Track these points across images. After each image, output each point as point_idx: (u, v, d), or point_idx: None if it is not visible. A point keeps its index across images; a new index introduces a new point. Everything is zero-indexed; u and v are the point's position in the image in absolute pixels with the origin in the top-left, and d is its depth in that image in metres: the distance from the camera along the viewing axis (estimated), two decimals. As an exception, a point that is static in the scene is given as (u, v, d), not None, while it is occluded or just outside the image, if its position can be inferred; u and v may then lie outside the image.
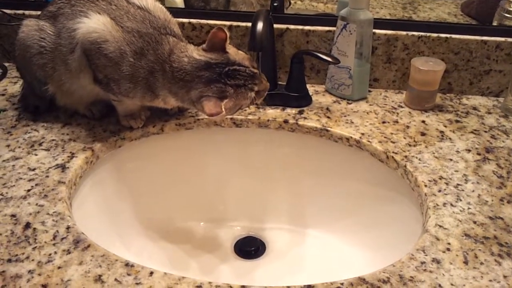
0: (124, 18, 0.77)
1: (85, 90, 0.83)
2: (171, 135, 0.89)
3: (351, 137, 0.85)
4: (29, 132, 0.85)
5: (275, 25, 0.96)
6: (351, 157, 0.86)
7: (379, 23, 0.93)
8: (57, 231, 0.64)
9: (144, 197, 0.90)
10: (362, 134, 0.85)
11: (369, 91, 0.99)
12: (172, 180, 0.93)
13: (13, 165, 0.76)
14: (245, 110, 0.91)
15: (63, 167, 0.75)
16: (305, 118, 0.90)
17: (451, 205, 0.69)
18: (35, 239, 0.62)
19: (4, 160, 0.77)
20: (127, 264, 0.59)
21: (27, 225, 0.64)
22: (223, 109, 0.70)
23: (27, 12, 1.01)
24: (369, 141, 0.83)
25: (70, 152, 0.79)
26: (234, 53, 0.75)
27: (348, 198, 0.89)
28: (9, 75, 1.04)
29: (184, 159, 0.93)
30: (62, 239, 0.62)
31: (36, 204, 0.68)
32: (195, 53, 0.75)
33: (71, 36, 0.78)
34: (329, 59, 0.87)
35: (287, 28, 0.97)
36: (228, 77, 0.73)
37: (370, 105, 0.94)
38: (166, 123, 0.88)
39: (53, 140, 0.82)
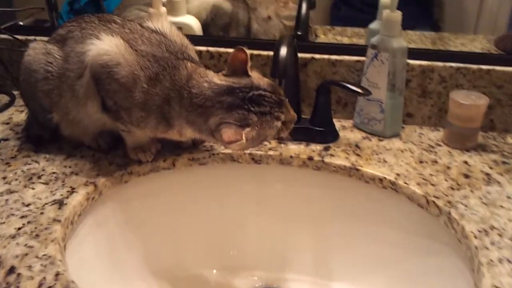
0: (138, 41, 0.71)
1: (91, 119, 0.77)
2: (183, 170, 0.81)
3: (385, 178, 0.75)
4: (29, 164, 0.77)
5: (299, 54, 0.89)
6: (384, 200, 0.76)
7: (413, 52, 0.85)
8: (44, 277, 0.55)
9: (151, 239, 0.81)
10: (398, 174, 0.75)
11: (402, 127, 0.90)
12: (183, 221, 0.83)
13: (7, 200, 0.68)
14: (265, 145, 0.82)
15: (60, 203, 0.67)
16: (331, 155, 0.81)
17: (509, 261, 0.58)
18: (18, 286, 0.54)
19: (-2, 194, 0.70)
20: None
21: (11, 270, 0.56)
22: (244, 138, 0.62)
23: (38, 38, 0.96)
24: (405, 183, 0.73)
25: (71, 187, 0.71)
26: (258, 77, 0.68)
27: (381, 248, 0.78)
28: (17, 103, 0.98)
29: (197, 197, 0.84)
30: (49, 288, 0.53)
31: (25, 245, 0.60)
32: (216, 78, 0.68)
33: (80, 60, 0.72)
34: (359, 90, 0.79)
35: (312, 58, 0.90)
36: (252, 103, 0.65)
37: (405, 142, 0.85)
38: (178, 157, 0.80)
39: (53, 173, 0.75)
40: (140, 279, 0.80)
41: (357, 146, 0.84)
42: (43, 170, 0.76)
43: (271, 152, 0.81)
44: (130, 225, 0.79)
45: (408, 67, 0.87)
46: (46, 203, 0.68)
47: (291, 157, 0.81)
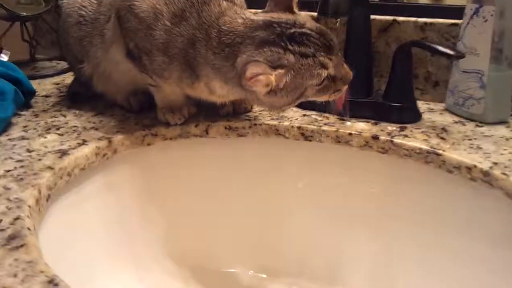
0: None
1: (120, 71, 0.68)
2: (217, 141, 0.68)
3: (475, 167, 0.54)
4: (55, 117, 0.70)
5: (378, 16, 0.72)
6: (472, 197, 0.55)
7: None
8: (1, 220, 0.45)
9: (173, 218, 0.68)
10: (495, 163, 0.54)
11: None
12: (213, 202, 0.69)
13: (14, 145, 0.61)
14: (320, 120, 0.66)
15: (63, 153, 0.58)
16: (405, 136, 0.61)
17: None
18: (-32, 223, 0.44)
19: (10, 139, 0.63)
20: None
21: (-27, 207, 0.47)
22: (273, 79, 0.50)
23: None
24: (504, 174, 0.51)
25: (83, 140, 0.62)
26: (305, 17, 0.54)
27: (463, 265, 0.56)
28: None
29: (232, 174, 0.69)
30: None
31: (4, 186, 0.51)
32: (253, 16, 0.56)
33: (111, 2, 0.64)
34: (449, 51, 0.59)
35: (394, 20, 0.72)
36: (292, 41, 0.52)
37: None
38: (213, 124, 0.67)
39: (74, 126, 0.67)
40: (154, 262, 0.67)
41: (443, 129, 0.63)
42: (66, 123, 0.68)
43: (325, 128, 0.65)
44: (148, 196, 0.67)
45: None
46: (49, 151, 0.59)
47: (350, 134, 0.63)
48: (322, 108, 0.66)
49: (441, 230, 0.58)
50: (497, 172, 0.52)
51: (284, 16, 0.54)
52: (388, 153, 0.61)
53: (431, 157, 0.58)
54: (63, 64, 0.94)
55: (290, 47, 0.52)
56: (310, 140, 0.66)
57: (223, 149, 0.69)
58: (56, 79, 0.90)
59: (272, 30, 0.52)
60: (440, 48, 0.60)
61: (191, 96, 0.66)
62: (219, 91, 0.60)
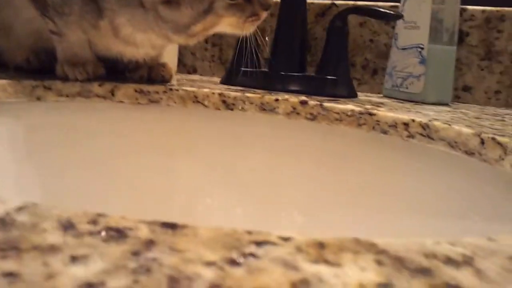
0: None
1: (22, 21, 0.59)
2: (124, 106, 0.58)
3: (414, 121, 0.46)
4: None
5: (315, 1, 0.68)
6: (412, 158, 0.47)
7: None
8: None
9: (47, 187, 0.56)
10: (435, 119, 0.46)
11: (454, 102, 0.61)
12: (112, 174, 0.58)
13: None
14: (243, 90, 0.58)
15: None
16: (336, 101, 0.54)
17: None
18: None
19: None
20: None
21: None
22: None
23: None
24: (447, 123, 0.44)
25: (-47, 79, 0.51)
26: None
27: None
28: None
29: (136, 148, 0.59)
30: None
31: None
32: None
33: None
34: (387, 11, 0.55)
35: (333, 4, 0.68)
36: None
37: (454, 114, 0.56)
38: (120, 85, 0.58)
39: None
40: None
41: (380, 103, 0.56)
42: None
43: (249, 94, 0.57)
44: (27, 159, 0.55)
45: (466, 15, 0.61)
46: None
47: (276, 100, 0.55)
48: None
49: (380, 204, 0.49)
50: (437, 123, 0.44)
51: None
52: (317, 119, 0.53)
53: (364, 118, 0.50)
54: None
55: None
56: (232, 109, 0.57)
57: (129, 114, 0.58)
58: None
59: None
60: (378, 10, 0.55)
61: (98, 52, 0.57)
62: (124, 31, 0.52)
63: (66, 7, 0.52)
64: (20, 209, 0.17)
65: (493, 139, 0.39)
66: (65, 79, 0.56)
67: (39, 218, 0.17)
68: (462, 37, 0.61)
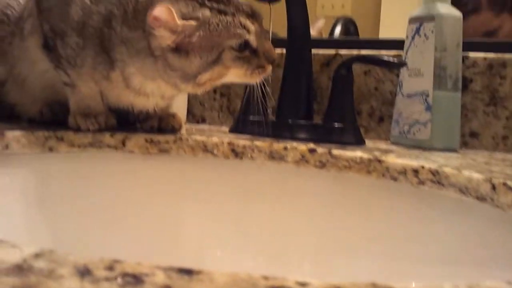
0: None
1: (36, 74, 0.61)
2: (135, 156, 0.58)
3: (423, 167, 0.46)
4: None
5: (320, 51, 0.70)
6: (422, 205, 0.46)
7: (473, 42, 0.62)
8: None
9: (58, 235, 0.55)
10: (444, 165, 0.46)
11: (461, 147, 0.62)
12: (123, 222, 0.57)
13: None
14: (250, 139, 0.59)
15: None
16: (344, 149, 0.54)
17: None
18: None
19: None
20: None
21: None
22: (179, 24, 0.46)
23: None
24: (456, 169, 0.44)
25: (-32, 130, 0.52)
26: None
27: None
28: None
29: (149, 195, 0.59)
30: None
31: None
32: None
33: None
34: (391, 59, 0.56)
35: (337, 53, 0.70)
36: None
37: (464, 159, 0.56)
38: (131, 135, 0.59)
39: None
40: None
41: (388, 150, 0.56)
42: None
43: (258, 143, 0.57)
44: (39, 210, 0.55)
45: (469, 62, 0.63)
46: None
47: (285, 148, 0.56)
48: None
49: (393, 251, 0.48)
50: (447, 169, 0.44)
51: None
52: (327, 167, 0.53)
53: (373, 165, 0.50)
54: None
55: (207, 3, 0.48)
56: (241, 158, 0.58)
57: (141, 166, 0.59)
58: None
59: None
60: (382, 58, 0.56)
61: (109, 102, 0.59)
62: (134, 81, 0.54)
63: (79, 59, 0.54)
64: (37, 255, 0.18)
65: (505, 184, 0.39)
66: (77, 129, 0.58)
67: (56, 265, 0.17)
68: (466, 83, 0.63)
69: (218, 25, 0.47)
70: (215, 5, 0.48)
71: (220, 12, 0.47)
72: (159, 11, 0.44)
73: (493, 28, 0.72)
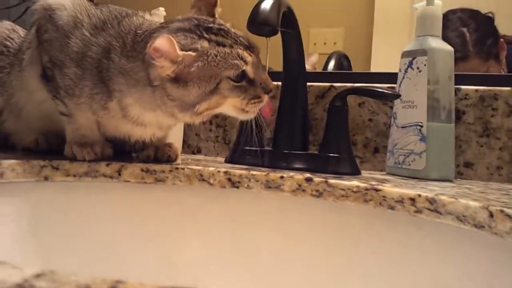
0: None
1: (33, 104, 0.62)
2: (131, 185, 0.58)
3: (420, 196, 0.46)
4: None
5: (315, 84, 0.71)
6: (420, 234, 0.46)
7: (465, 75, 0.64)
8: None
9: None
10: (441, 194, 0.46)
11: (458, 179, 0.62)
12: (118, 253, 0.56)
13: None
14: (247, 168, 0.59)
15: None
16: (340, 178, 0.54)
17: None
18: None
19: None
20: None
21: None
22: (180, 55, 0.46)
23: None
24: (454, 197, 0.44)
25: (-37, 158, 0.52)
26: (229, 24, 0.52)
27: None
28: None
29: (145, 224, 0.58)
30: None
31: None
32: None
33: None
34: (385, 91, 0.57)
35: (331, 86, 0.71)
36: (208, 31, 0.49)
37: (459, 189, 0.56)
38: (127, 164, 0.58)
39: (-39, 154, 0.57)
40: None
41: (384, 180, 0.57)
42: (-47, 153, 0.58)
43: (254, 172, 0.57)
44: (34, 240, 0.54)
45: (461, 94, 0.64)
46: None
47: (281, 177, 0.56)
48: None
49: (391, 281, 0.47)
50: (444, 197, 0.45)
51: (204, 16, 0.52)
52: (323, 196, 0.53)
53: (370, 194, 0.50)
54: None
55: (205, 35, 0.49)
56: (238, 187, 0.57)
57: (136, 196, 0.58)
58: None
59: (189, 21, 0.51)
60: (377, 90, 0.57)
61: (106, 132, 0.59)
62: (132, 111, 0.54)
63: (77, 89, 0.55)
64: (38, 276, 0.17)
65: (502, 211, 0.39)
66: (73, 159, 0.57)
67: (58, 284, 0.17)
68: (458, 115, 0.64)
69: (216, 56, 0.48)
70: (213, 37, 0.49)
71: (218, 43, 0.48)
72: (160, 41, 0.45)
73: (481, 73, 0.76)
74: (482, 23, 0.77)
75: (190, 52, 0.47)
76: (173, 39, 0.45)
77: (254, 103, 0.51)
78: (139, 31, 0.52)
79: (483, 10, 0.77)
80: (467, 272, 0.42)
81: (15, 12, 0.92)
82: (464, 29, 0.77)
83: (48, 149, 0.62)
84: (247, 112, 0.52)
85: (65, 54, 0.54)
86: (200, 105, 0.50)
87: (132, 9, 0.59)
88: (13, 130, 0.65)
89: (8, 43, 0.65)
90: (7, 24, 0.67)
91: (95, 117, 0.57)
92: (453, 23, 0.77)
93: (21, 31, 0.66)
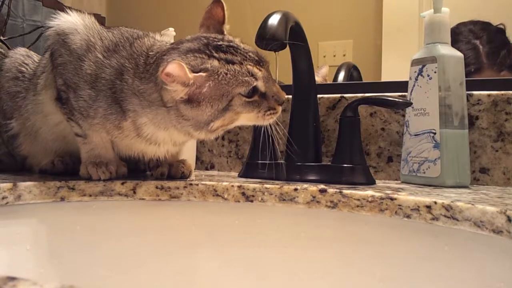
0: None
1: (49, 127, 0.63)
2: (147, 202, 0.59)
3: (436, 203, 0.46)
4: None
5: (326, 95, 0.71)
6: (437, 241, 0.46)
7: (478, 81, 0.63)
8: None
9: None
10: (457, 200, 0.46)
11: (474, 185, 0.61)
12: (134, 269, 0.56)
13: None
14: (261, 182, 0.59)
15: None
16: (355, 188, 0.54)
17: None
18: None
19: None
20: None
21: None
22: (191, 78, 0.46)
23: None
24: (470, 203, 0.44)
25: (-18, 182, 0.53)
26: (237, 38, 0.52)
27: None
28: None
29: (161, 240, 0.58)
30: None
31: None
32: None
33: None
34: (396, 100, 0.57)
35: (342, 97, 0.71)
36: (218, 49, 0.50)
37: (475, 195, 0.56)
38: (142, 182, 0.59)
39: (-20, 178, 0.58)
40: None
41: (399, 189, 0.56)
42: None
43: (268, 185, 0.57)
44: (50, 260, 0.54)
45: (473, 100, 0.64)
46: None
47: (295, 190, 0.55)
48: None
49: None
50: (460, 203, 0.44)
51: (213, 34, 0.53)
52: (338, 207, 0.53)
53: (385, 203, 0.50)
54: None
55: (215, 54, 0.50)
56: (252, 201, 0.57)
57: (153, 212, 0.59)
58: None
59: (198, 41, 0.51)
60: (388, 99, 0.57)
61: (120, 151, 0.60)
62: (146, 130, 0.55)
63: (91, 110, 0.56)
64: (57, 291, 0.18)
65: (520, 215, 0.38)
66: (88, 179, 0.58)
67: (77, 299, 0.17)
68: (472, 120, 0.63)
69: (226, 74, 0.48)
70: (222, 55, 0.49)
71: (227, 62, 0.49)
72: (171, 67, 0.46)
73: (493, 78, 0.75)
74: (494, 35, 0.77)
75: (201, 73, 0.48)
76: (183, 64, 0.46)
77: (270, 114, 0.51)
78: (150, 53, 0.53)
79: (494, 21, 0.77)
80: (486, 277, 0.41)
81: (29, 38, 0.95)
82: (477, 42, 0.77)
83: (64, 171, 0.63)
84: (264, 121, 0.53)
85: (79, 76, 0.55)
86: (214, 123, 0.51)
87: (143, 30, 0.61)
88: (29, 152, 0.66)
89: (23, 68, 0.66)
90: (22, 50, 0.69)
91: (109, 137, 0.58)
92: (465, 36, 0.77)
93: (35, 57, 0.68)
